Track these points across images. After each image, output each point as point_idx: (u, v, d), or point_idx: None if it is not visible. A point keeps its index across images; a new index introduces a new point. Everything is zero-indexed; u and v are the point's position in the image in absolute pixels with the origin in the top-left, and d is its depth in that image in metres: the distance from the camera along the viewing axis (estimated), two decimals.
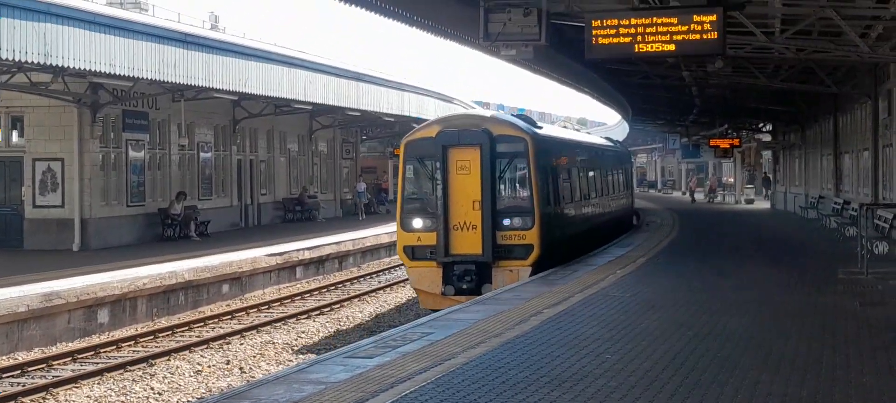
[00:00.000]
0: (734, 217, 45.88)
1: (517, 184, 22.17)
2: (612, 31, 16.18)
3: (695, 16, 15.66)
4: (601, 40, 16.27)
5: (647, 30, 16.00)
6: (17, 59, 23.09)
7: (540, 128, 24.40)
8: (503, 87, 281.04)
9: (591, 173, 30.13)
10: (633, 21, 16.10)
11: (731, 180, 67.66)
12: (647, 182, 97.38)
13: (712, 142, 52.29)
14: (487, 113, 24.24)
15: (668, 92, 40.96)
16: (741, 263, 23.71)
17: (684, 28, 15.66)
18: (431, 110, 50.04)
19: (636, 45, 16.11)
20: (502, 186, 21.94)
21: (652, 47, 16.04)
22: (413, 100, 50.21)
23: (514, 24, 17.97)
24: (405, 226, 21.91)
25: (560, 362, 11.39)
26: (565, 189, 25.06)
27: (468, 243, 21.39)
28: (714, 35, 15.57)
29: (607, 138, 43.52)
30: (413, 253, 21.80)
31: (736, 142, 52.00)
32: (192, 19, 37.15)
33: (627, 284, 19.03)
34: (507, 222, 21.45)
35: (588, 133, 49.72)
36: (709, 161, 75.93)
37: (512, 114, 24.84)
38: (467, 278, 21.25)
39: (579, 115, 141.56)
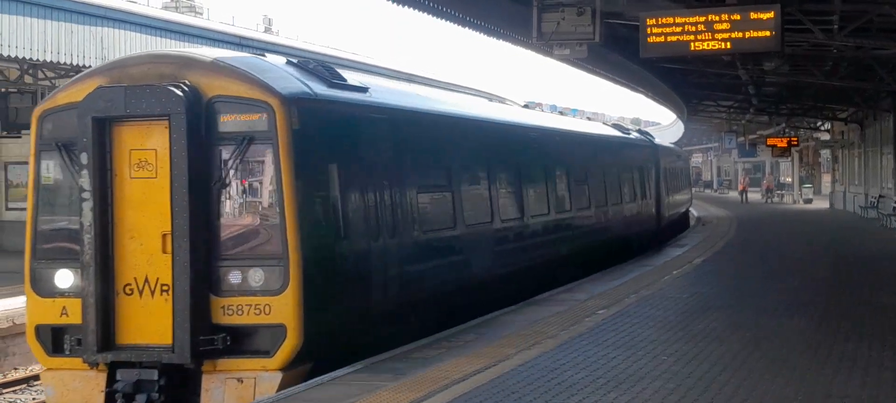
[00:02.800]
0: (792, 217, 45.28)
1: (258, 200, 11.45)
2: (667, 30, 15.99)
3: (752, 13, 15.44)
4: (656, 39, 16.09)
5: (703, 28, 15.80)
6: (75, 63, 23.41)
7: (350, 86, 12.85)
8: (554, 88, 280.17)
9: (527, 177, 18.66)
10: (689, 19, 15.91)
11: (790, 179, 66.85)
12: (703, 182, 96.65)
13: (769, 141, 51.70)
14: (205, 52, 12.52)
15: (723, 91, 40.55)
16: (798, 263, 23.37)
17: (741, 26, 15.45)
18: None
19: (692, 44, 15.91)
20: (228, 203, 11.30)
21: (708, 46, 15.83)
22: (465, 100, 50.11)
23: (568, 24, 17.85)
24: (39, 286, 11.52)
25: (616, 363, 11.29)
26: (416, 207, 13.73)
27: (150, 323, 11.04)
28: (771, 33, 15.34)
29: (617, 126, 31.71)
30: (54, 340, 11.37)
31: (794, 140, 51.36)
32: (246, 23, 37.42)
33: None
34: (235, 279, 11.02)
35: (588, 118, 34.60)
36: (766, 160, 75.06)
37: (289, 62, 12.77)
38: (143, 396, 10.87)
39: (633, 116, 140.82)
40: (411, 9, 19.79)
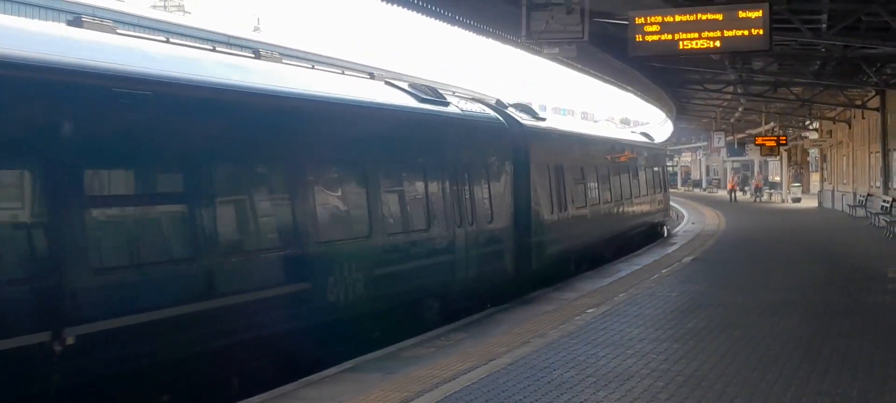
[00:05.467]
0: (780, 217, 45.38)
1: None
2: (656, 29, 15.99)
3: (740, 12, 15.45)
4: (645, 38, 16.09)
5: (692, 27, 15.82)
6: None
7: None
8: (548, 88, 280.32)
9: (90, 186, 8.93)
10: (678, 18, 15.90)
11: (778, 178, 67.00)
12: (692, 181, 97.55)
13: (758, 140, 51.77)
14: None
15: (712, 89, 40.64)
16: (787, 262, 23.42)
17: (729, 24, 15.46)
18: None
19: (680, 43, 15.90)
20: None
21: (696, 44, 15.83)
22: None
23: (557, 22, 17.82)
24: None
25: (606, 362, 11.30)
26: None
27: None
28: (760, 31, 15.35)
29: (430, 90, 17.34)
30: None
31: (782, 139, 51.46)
32: (235, 23, 37.46)
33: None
34: None
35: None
36: (755, 159, 75.25)
37: None
38: None
39: (623, 115, 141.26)
40: (402, 8, 19.77)
